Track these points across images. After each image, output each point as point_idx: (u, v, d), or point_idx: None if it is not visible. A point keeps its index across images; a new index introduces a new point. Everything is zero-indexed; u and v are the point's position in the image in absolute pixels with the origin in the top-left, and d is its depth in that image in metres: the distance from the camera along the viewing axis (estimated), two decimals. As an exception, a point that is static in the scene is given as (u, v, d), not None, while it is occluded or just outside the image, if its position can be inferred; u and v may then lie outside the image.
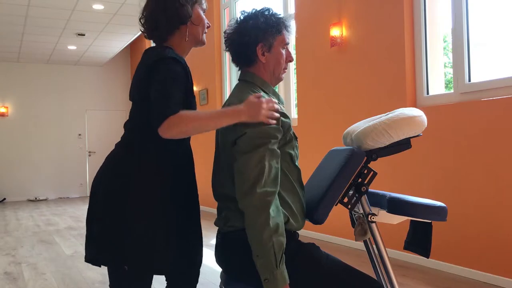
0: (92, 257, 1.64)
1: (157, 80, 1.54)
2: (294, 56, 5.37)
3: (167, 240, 1.62)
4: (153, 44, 1.80)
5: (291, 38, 1.78)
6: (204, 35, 1.77)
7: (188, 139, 1.77)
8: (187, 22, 1.69)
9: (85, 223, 6.79)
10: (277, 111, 1.55)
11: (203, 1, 1.77)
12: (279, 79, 1.74)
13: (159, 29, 1.69)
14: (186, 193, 1.73)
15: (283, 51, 1.71)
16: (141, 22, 1.72)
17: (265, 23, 1.66)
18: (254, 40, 1.65)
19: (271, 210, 1.46)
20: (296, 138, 1.68)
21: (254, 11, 1.69)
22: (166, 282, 1.81)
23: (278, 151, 1.55)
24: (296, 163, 1.65)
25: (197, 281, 1.81)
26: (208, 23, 1.78)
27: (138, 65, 1.69)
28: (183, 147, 1.72)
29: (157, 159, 1.63)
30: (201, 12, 1.75)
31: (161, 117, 1.47)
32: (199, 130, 1.50)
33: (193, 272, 1.78)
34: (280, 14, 1.71)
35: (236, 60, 1.72)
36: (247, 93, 1.61)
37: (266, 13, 1.68)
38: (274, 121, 1.53)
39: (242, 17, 1.69)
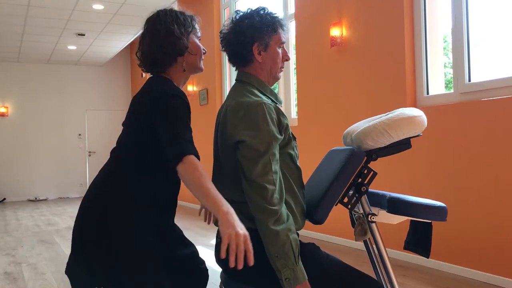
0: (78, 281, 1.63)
1: (168, 119, 1.53)
2: (293, 55, 5.37)
3: (169, 270, 1.65)
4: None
5: (287, 37, 1.77)
6: (202, 62, 1.78)
7: None
8: (184, 54, 1.69)
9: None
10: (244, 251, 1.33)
11: (198, 29, 1.77)
12: (276, 78, 1.74)
13: (158, 64, 1.69)
14: (172, 220, 1.75)
15: (279, 50, 1.71)
16: (137, 56, 1.73)
17: (261, 22, 1.65)
18: (250, 40, 1.64)
19: (283, 210, 1.48)
20: (294, 138, 1.68)
21: (249, 10, 1.69)
22: None
23: (278, 155, 1.55)
24: (297, 163, 1.65)
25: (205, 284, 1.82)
26: (204, 50, 1.79)
27: (139, 93, 1.67)
28: (174, 178, 1.69)
29: (150, 192, 1.62)
30: (197, 41, 1.75)
31: (179, 154, 1.45)
32: (197, 187, 1.42)
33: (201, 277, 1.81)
34: (275, 13, 1.71)
35: (232, 60, 1.72)
36: (243, 95, 1.61)
37: (262, 12, 1.68)
38: (230, 261, 1.28)
39: (237, 17, 1.69)
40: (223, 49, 1.72)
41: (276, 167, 1.52)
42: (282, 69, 1.75)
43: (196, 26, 1.77)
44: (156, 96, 1.58)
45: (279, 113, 1.59)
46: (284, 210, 1.49)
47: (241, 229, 1.30)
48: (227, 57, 1.76)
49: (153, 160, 1.61)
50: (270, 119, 1.53)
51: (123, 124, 1.69)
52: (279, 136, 1.54)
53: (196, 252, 1.81)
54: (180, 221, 6.55)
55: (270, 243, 1.45)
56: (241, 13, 1.69)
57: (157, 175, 1.63)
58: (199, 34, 1.78)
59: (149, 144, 1.59)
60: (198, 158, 1.49)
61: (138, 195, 1.60)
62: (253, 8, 1.70)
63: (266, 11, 1.69)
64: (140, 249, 1.56)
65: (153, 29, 1.69)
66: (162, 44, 1.65)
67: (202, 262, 1.82)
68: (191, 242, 1.84)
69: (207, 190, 1.40)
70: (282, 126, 1.57)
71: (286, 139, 1.60)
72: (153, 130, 1.57)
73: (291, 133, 1.65)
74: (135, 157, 1.62)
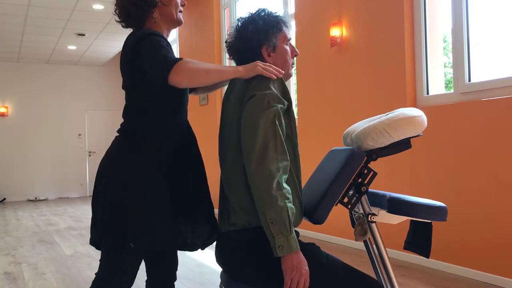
0: (95, 241, 1.72)
1: (147, 50, 1.57)
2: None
3: (167, 221, 1.66)
4: None
5: (292, 33, 1.78)
6: (180, 14, 1.78)
7: (186, 119, 1.78)
8: (156, 5, 1.71)
9: (85, 223, 6.81)
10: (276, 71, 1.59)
11: None
12: (289, 75, 1.76)
13: (132, 17, 1.71)
14: (188, 171, 1.74)
15: (287, 47, 1.73)
16: (116, 13, 1.75)
17: (265, 24, 1.66)
18: (257, 44, 1.65)
19: (283, 178, 1.47)
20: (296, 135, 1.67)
21: (250, 15, 1.70)
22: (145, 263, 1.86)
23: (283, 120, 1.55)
24: (298, 159, 1.64)
25: (176, 268, 1.86)
26: (182, 1, 1.79)
27: (121, 51, 1.72)
28: (180, 126, 1.74)
29: (154, 143, 1.67)
30: None
31: (166, 67, 1.51)
32: (204, 76, 1.53)
33: (175, 256, 1.84)
34: (276, 12, 1.72)
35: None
36: (264, 89, 1.61)
37: (263, 14, 1.69)
38: (273, 75, 1.56)
39: (240, 24, 1.70)
40: (231, 57, 1.73)
41: (281, 127, 1.51)
42: (293, 65, 1.78)
43: None
44: (136, 39, 1.62)
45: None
46: (284, 182, 1.48)
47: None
48: (228, 57, 1.76)
49: (153, 111, 1.67)
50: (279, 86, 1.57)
51: (122, 87, 1.74)
52: (284, 100, 1.57)
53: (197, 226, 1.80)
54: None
55: (266, 208, 1.43)
56: (243, 19, 1.70)
57: (161, 123, 1.68)
58: None
59: (147, 91, 1.65)
60: None
61: (138, 147, 1.66)
62: (253, 12, 1.71)
63: (266, 12, 1.69)
64: (137, 201, 1.62)
65: None
66: None
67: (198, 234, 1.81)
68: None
69: (211, 68, 1.54)
70: (286, 96, 1.60)
71: (290, 109, 1.61)
72: (142, 74, 1.62)
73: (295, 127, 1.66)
74: (135, 111, 1.68)
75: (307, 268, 1.46)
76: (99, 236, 1.68)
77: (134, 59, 1.63)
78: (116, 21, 1.77)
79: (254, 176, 1.45)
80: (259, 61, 1.59)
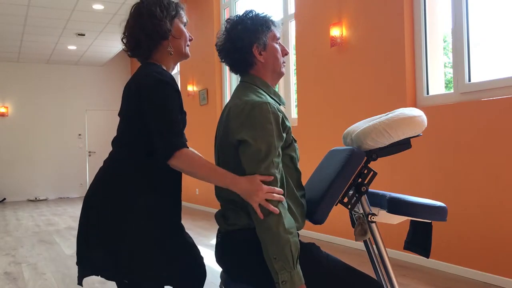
0: (96, 268, 1.66)
1: (156, 106, 1.56)
2: (293, 55, 5.37)
3: (167, 254, 1.65)
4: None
5: (280, 32, 1.78)
6: (187, 48, 1.79)
7: None
8: (168, 37, 1.70)
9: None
10: (276, 197, 1.49)
11: (183, 15, 1.78)
12: (281, 74, 1.75)
13: (141, 47, 1.70)
14: (176, 207, 1.75)
15: (277, 46, 1.73)
16: (123, 42, 1.73)
17: (253, 23, 1.67)
18: (248, 43, 1.66)
19: (285, 212, 1.48)
20: (295, 140, 1.68)
21: (238, 17, 1.71)
22: None
23: (280, 155, 1.55)
24: (297, 165, 1.65)
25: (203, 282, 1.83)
26: (190, 36, 1.80)
27: (130, 80, 1.69)
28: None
29: (149, 177, 1.65)
30: (182, 26, 1.76)
31: (169, 149, 1.51)
32: (199, 175, 1.53)
33: (200, 273, 1.81)
34: (263, 13, 1.73)
35: (234, 68, 1.73)
36: (248, 95, 1.61)
37: (251, 15, 1.70)
38: (275, 209, 1.47)
39: (229, 26, 1.71)
40: (222, 60, 1.73)
41: (278, 167, 1.52)
42: (285, 64, 1.77)
43: (181, 12, 1.77)
44: (144, 82, 1.60)
45: (282, 114, 1.59)
46: (286, 211, 1.49)
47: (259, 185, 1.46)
48: (227, 68, 1.76)
49: (150, 146, 1.64)
50: (274, 118, 1.53)
51: (119, 114, 1.72)
52: (282, 135, 1.55)
53: (194, 245, 1.81)
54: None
55: (269, 244, 1.44)
56: (232, 21, 1.71)
57: (156, 160, 1.65)
58: (184, 20, 1.79)
59: (144, 131, 1.62)
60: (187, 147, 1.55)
61: (138, 181, 1.63)
62: (241, 14, 1.72)
63: (254, 13, 1.71)
64: (139, 232, 1.59)
65: (136, 12, 1.70)
66: (144, 27, 1.66)
67: (200, 256, 1.81)
68: (190, 238, 1.84)
69: (209, 171, 1.52)
70: (285, 127, 1.57)
71: (288, 142, 1.60)
72: (145, 118, 1.60)
73: (292, 136, 1.65)
74: (132, 144, 1.65)
75: None
76: (95, 273, 1.64)
77: (139, 96, 1.60)
78: (124, 50, 1.75)
79: (259, 218, 1.47)
80: (263, 186, 1.48)
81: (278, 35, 1.74)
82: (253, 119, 1.52)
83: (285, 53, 1.76)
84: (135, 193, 1.62)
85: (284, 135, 1.56)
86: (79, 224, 1.68)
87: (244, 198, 1.49)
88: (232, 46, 1.67)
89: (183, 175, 1.76)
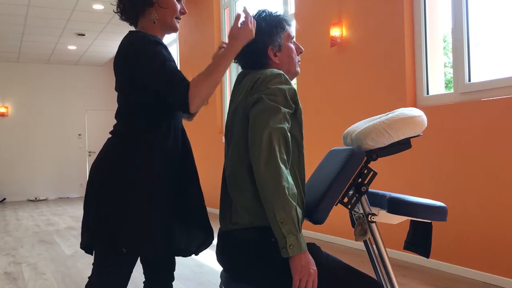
0: (86, 245, 1.69)
1: (151, 67, 1.56)
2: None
3: (163, 227, 1.65)
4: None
5: (293, 30, 1.78)
6: (176, 20, 1.75)
7: (181, 123, 1.79)
8: (153, 5, 1.69)
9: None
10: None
11: None
12: (296, 73, 1.74)
13: (126, 12, 1.71)
14: (183, 176, 1.74)
15: (292, 45, 1.72)
16: (115, 6, 1.76)
17: (268, 25, 1.66)
18: (263, 45, 1.65)
19: (289, 178, 1.46)
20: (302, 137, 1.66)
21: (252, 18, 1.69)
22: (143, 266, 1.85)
23: (288, 117, 1.53)
24: (303, 161, 1.63)
25: (174, 268, 1.85)
26: (183, 9, 1.77)
27: (117, 52, 1.69)
28: (175, 130, 1.73)
29: (151, 147, 1.65)
30: None
31: (181, 99, 1.52)
32: (214, 85, 1.56)
33: (173, 260, 1.82)
34: (276, 12, 1.71)
35: (248, 68, 1.70)
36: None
37: (264, 15, 1.68)
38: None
39: None
40: (235, 61, 1.71)
41: (284, 125, 1.49)
42: (299, 62, 1.76)
43: None
44: (129, 49, 1.61)
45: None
46: (290, 180, 1.47)
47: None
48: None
49: (147, 115, 1.65)
50: (288, 86, 1.54)
51: (115, 89, 1.74)
52: (292, 106, 1.54)
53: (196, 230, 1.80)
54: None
55: (276, 208, 1.42)
56: None
57: (156, 127, 1.66)
58: None
59: (141, 99, 1.64)
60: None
61: (137, 151, 1.64)
62: (253, 14, 1.70)
63: (267, 13, 1.69)
64: (139, 207, 1.60)
65: None
66: None
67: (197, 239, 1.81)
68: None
69: (216, 72, 1.56)
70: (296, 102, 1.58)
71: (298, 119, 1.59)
72: (139, 85, 1.62)
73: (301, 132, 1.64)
74: (128, 113, 1.67)
75: (315, 268, 1.46)
76: (91, 239, 1.65)
77: (128, 64, 1.62)
78: (114, 11, 1.77)
79: (263, 177, 1.44)
80: (244, 22, 1.60)
81: (292, 34, 1.72)
82: (268, 82, 1.54)
83: (299, 51, 1.75)
84: (137, 165, 1.62)
85: (293, 107, 1.56)
86: (85, 199, 1.70)
87: (235, 43, 1.58)
88: (246, 49, 1.65)
89: (185, 152, 1.76)
